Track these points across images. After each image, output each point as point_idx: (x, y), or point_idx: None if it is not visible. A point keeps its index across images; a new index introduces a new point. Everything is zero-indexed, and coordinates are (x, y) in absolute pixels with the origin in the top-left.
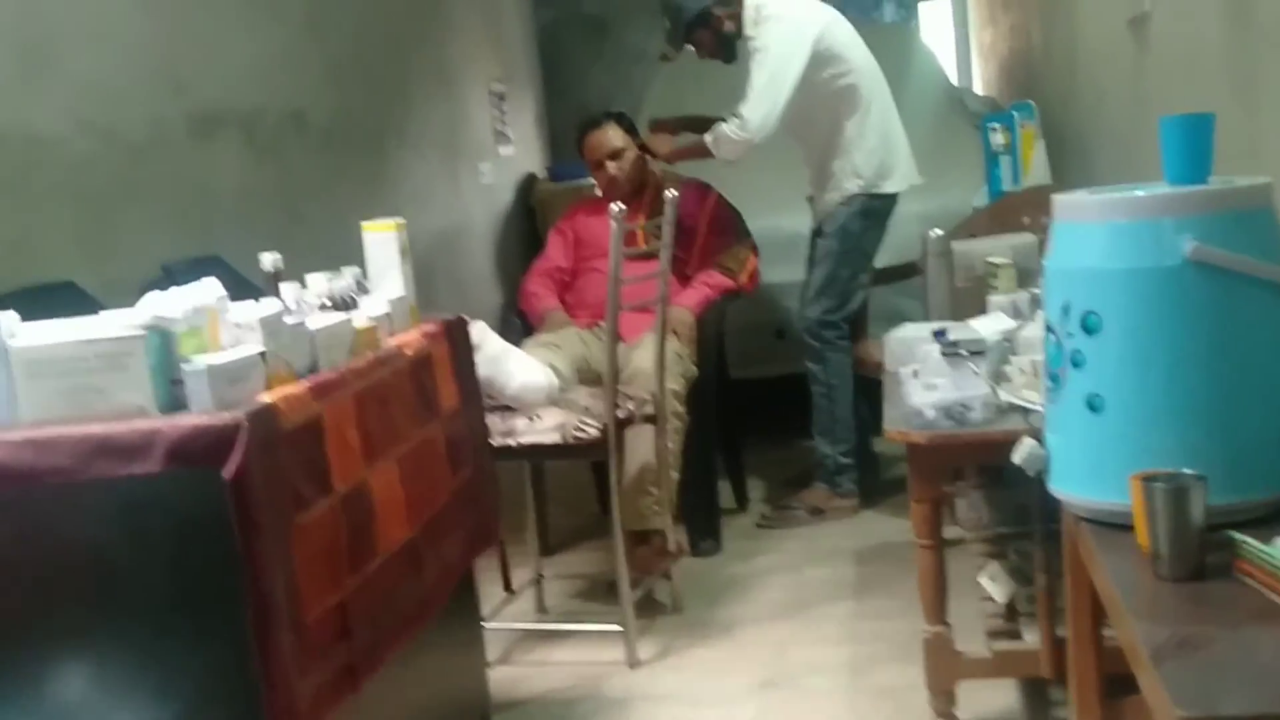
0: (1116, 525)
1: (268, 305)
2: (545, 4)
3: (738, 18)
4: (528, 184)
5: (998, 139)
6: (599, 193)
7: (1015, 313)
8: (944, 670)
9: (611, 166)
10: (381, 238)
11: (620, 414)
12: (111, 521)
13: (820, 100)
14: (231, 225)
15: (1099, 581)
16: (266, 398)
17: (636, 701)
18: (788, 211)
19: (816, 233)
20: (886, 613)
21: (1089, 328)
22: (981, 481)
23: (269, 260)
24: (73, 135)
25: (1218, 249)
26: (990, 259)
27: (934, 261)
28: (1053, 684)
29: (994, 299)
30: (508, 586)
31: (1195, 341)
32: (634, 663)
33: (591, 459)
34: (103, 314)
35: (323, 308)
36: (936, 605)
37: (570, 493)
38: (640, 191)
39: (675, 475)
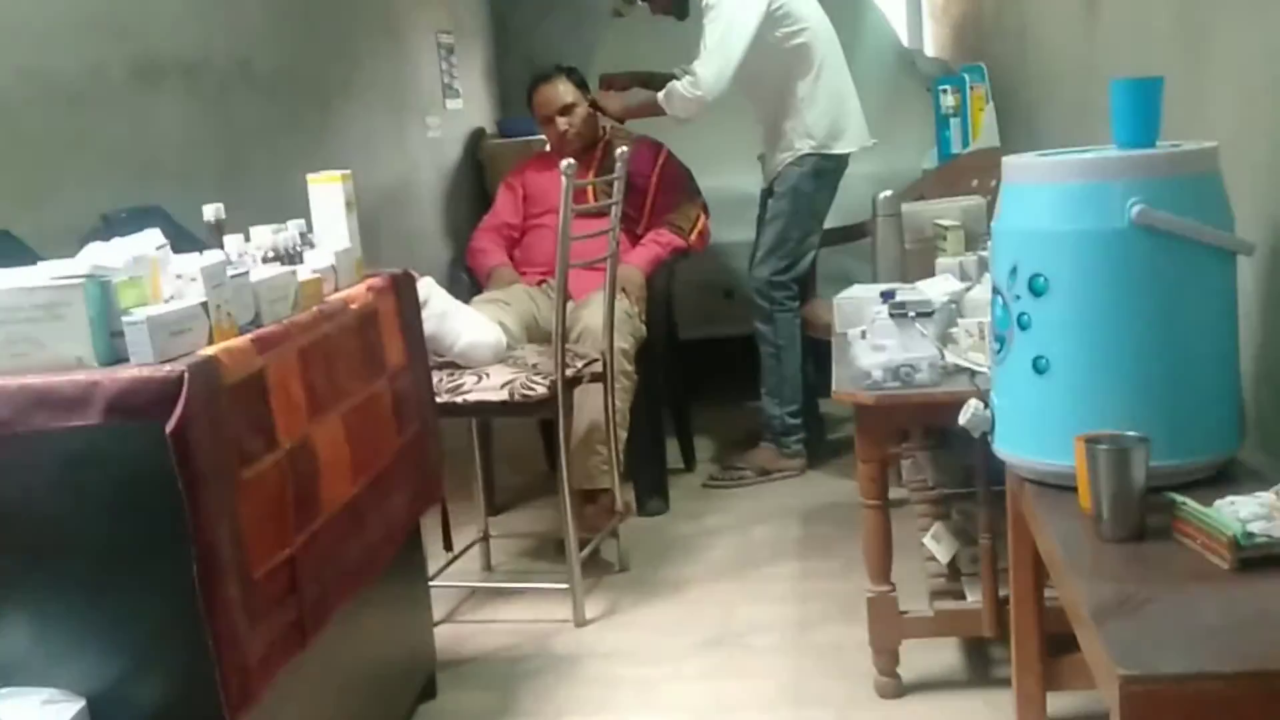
0: (1060, 486)
1: (210, 256)
2: None
3: None
4: (476, 138)
5: (948, 101)
6: (549, 148)
7: (963, 275)
8: (888, 630)
9: (562, 122)
10: (327, 189)
11: (568, 372)
12: (51, 474)
13: (773, 59)
14: (174, 176)
15: (1041, 542)
16: (208, 350)
17: (583, 659)
18: (738, 171)
19: (767, 192)
20: (831, 573)
21: (1036, 290)
22: (927, 443)
23: (211, 211)
24: (9, 81)
25: (1164, 212)
26: (939, 221)
27: (883, 223)
28: (994, 643)
29: (942, 261)
30: (449, 545)
31: (1141, 304)
32: (580, 621)
33: (539, 417)
34: (41, 264)
35: (266, 260)
36: (881, 565)
37: (517, 451)
38: (591, 148)
39: (623, 434)
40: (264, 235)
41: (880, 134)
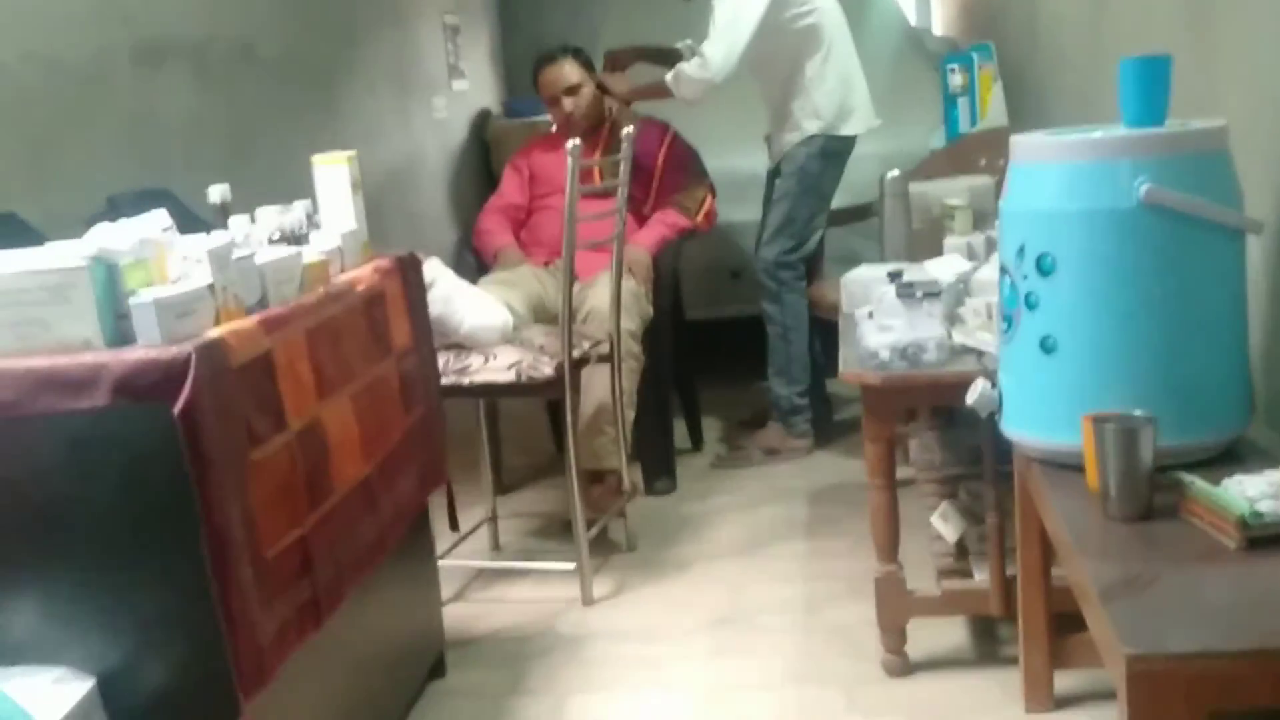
0: (1067, 466)
1: (216, 238)
2: None
3: None
4: (482, 119)
5: (956, 80)
6: (555, 129)
7: (971, 254)
8: (895, 608)
9: (568, 102)
10: (333, 171)
11: (576, 353)
12: (59, 456)
13: (781, 40)
14: (179, 158)
15: (1049, 521)
16: (215, 332)
17: (590, 638)
18: (745, 151)
19: (774, 173)
20: (839, 552)
21: (1044, 269)
22: (935, 423)
23: (217, 193)
24: (15, 65)
25: (1173, 191)
26: (947, 201)
27: (891, 203)
28: (1002, 622)
29: (950, 241)
30: (454, 526)
31: (1148, 283)
32: (588, 600)
33: (547, 398)
34: (47, 246)
35: (272, 241)
36: (888, 544)
37: (525, 432)
38: (597, 128)
39: (631, 415)
40: (270, 216)
41: (888, 113)
